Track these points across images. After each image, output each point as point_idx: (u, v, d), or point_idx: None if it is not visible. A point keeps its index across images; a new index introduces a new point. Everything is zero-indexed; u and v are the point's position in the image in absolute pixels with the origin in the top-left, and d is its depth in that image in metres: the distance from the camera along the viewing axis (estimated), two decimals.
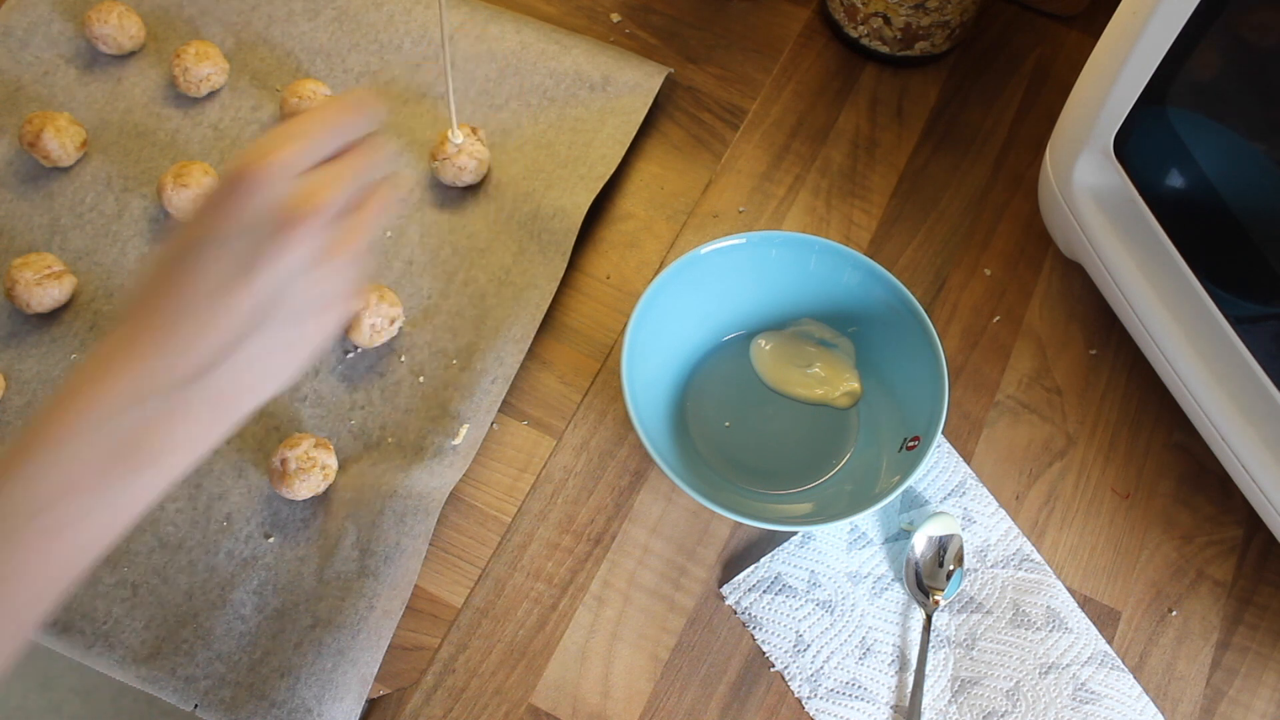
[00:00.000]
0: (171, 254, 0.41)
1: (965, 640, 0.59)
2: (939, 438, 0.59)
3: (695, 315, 0.63)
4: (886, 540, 0.61)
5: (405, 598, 0.58)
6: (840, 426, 0.63)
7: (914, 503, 0.62)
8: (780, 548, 0.60)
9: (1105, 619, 0.60)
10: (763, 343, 0.65)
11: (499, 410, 0.64)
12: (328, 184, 0.41)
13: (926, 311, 0.59)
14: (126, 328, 0.40)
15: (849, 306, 0.63)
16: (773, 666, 0.58)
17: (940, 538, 0.60)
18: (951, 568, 0.59)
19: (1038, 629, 0.59)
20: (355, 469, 0.61)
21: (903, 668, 0.58)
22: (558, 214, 0.67)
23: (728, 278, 0.62)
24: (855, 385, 0.63)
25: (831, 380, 0.63)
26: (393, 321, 0.63)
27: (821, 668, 0.58)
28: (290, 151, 0.40)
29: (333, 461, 0.59)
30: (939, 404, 0.57)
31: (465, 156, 0.67)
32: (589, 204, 0.67)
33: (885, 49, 0.74)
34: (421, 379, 0.63)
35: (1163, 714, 0.57)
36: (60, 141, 0.67)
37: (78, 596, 0.57)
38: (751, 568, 0.60)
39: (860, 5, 0.71)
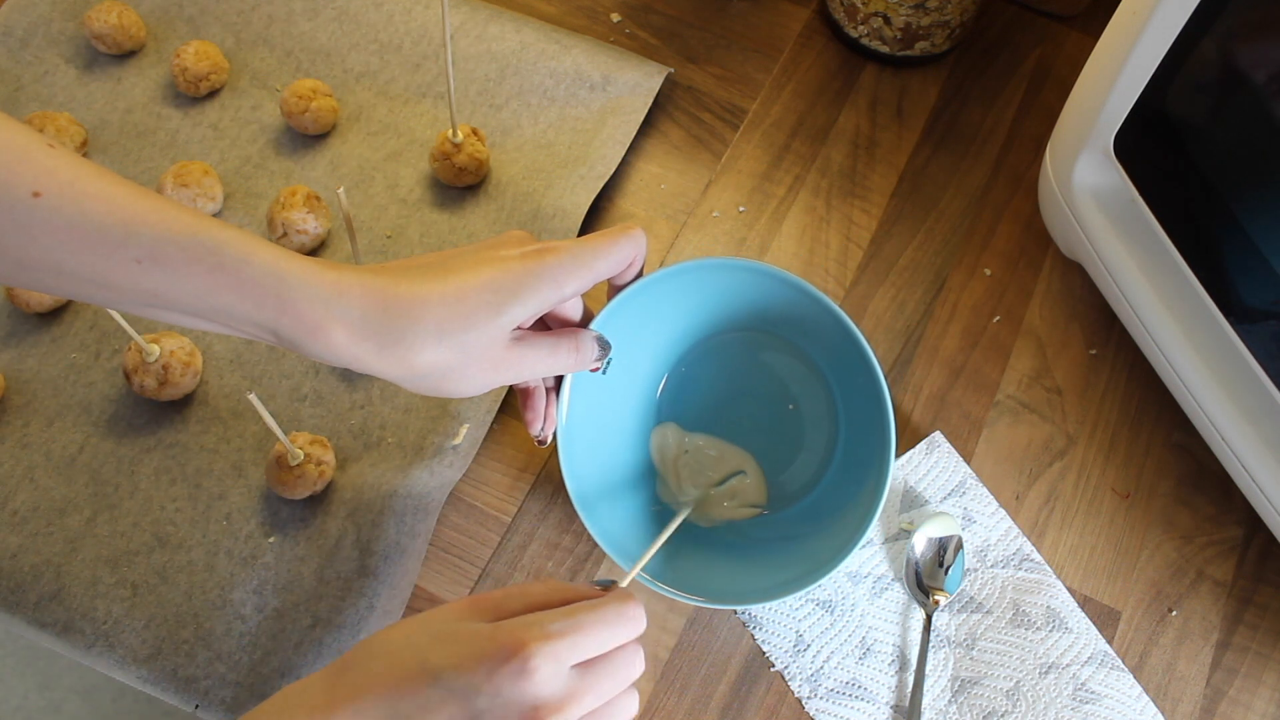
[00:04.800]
0: (422, 644, 0.40)
1: (965, 640, 0.59)
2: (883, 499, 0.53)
3: (631, 377, 0.58)
4: (886, 540, 0.61)
5: (405, 598, 0.58)
6: (808, 444, 0.60)
7: (914, 503, 0.62)
8: None
9: (1105, 619, 0.60)
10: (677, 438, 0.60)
11: (499, 410, 0.64)
12: (589, 690, 0.41)
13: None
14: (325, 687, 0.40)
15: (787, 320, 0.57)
16: (773, 666, 0.58)
17: (940, 538, 0.60)
18: (951, 566, 0.59)
19: (1038, 629, 0.59)
20: (355, 469, 0.61)
21: (903, 668, 0.58)
22: (558, 214, 0.67)
23: (652, 318, 0.56)
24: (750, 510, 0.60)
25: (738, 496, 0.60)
26: None
27: (821, 668, 0.58)
28: (572, 646, 0.40)
29: (331, 460, 0.59)
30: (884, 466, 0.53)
31: (465, 156, 0.67)
32: (589, 204, 0.67)
33: (885, 49, 0.73)
34: None
35: (1163, 714, 0.57)
36: (60, 141, 0.67)
37: (78, 596, 0.57)
38: None
39: (860, 5, 0.71)
